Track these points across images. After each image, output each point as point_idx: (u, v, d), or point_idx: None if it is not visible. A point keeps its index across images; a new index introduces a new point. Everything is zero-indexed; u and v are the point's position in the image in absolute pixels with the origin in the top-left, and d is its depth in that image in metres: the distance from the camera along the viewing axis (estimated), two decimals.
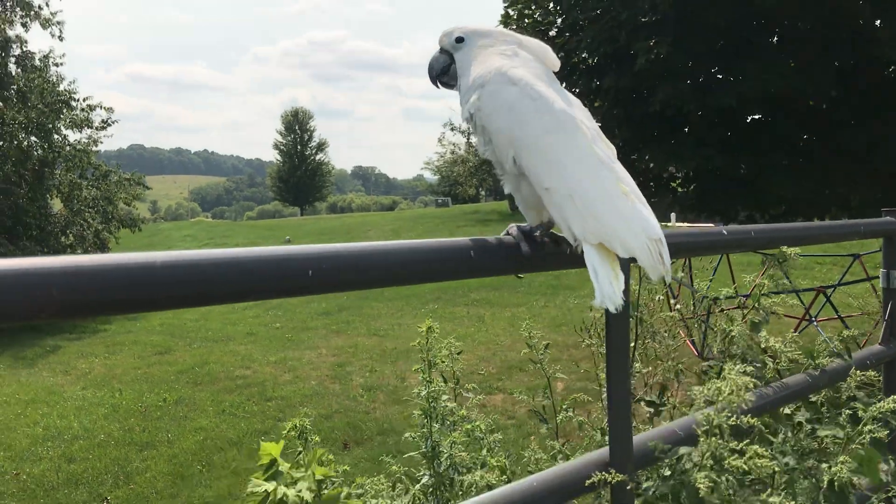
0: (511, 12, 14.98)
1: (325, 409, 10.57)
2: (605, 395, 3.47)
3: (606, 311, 2.02)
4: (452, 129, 43.72)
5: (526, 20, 14.88)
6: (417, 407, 3.57)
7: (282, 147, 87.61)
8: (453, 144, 44.14)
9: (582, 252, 1.79)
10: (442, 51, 2.13)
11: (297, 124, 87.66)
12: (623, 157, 14.97)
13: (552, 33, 14.56)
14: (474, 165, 41.67)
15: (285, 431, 3.11)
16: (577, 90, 15.22)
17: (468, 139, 43.62)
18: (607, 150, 1.92)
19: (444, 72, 2.14)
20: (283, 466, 2.36)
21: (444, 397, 3.46)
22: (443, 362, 3.43)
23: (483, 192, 61.26)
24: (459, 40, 2.09)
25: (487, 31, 2.10)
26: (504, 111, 1.89)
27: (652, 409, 3.11)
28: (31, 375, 13.78)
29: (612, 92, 13.67)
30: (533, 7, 14.80)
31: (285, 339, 15.57)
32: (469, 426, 3.40)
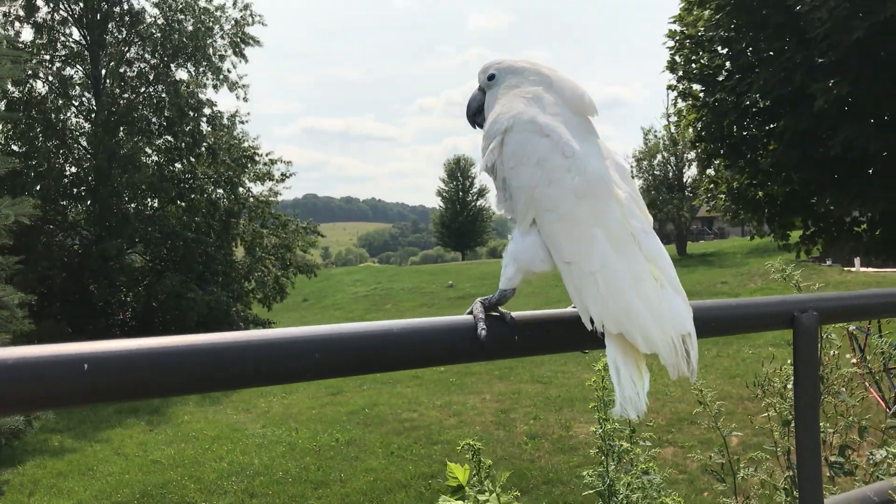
0: (678, 59, 14.75)
1: (490, 456, 10.62)
2: (780, 453, 3.34)
3: (795, 368, 1.91)
4: None
5: (693, 65, 14.61)
6: (593, 445, 3.58)
7: (445, 194, 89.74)
8: None
9: (602, 335, 1.56)
10: (480, 88, 1.93)
11: (458, 171, 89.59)
12: (801, 201, 14.33)
13: (721, 77, 14.21)
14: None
15: (458, 448, 3.24)
16: (749, 133, 14.72)
17: None
18: (643, 219, 1.66)
19: (479, 111, 1.92)
20: (469, 492, 2.47)
21: (620, 438, 3.44)
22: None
23: None
24: (491, 77, 1.88)
25: (521, 67, 1.85)
26: (531, 166, 1.65)
27: (834, 471, 2.97)
28: (216, 413, 14.74)
29: (788, 134, 13.09)
30: (700, 52, 14.51)
31: (450, 383, 15.82)
32: (643, 465, 3.37)
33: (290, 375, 1.31)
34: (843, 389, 3.03)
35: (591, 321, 1.55)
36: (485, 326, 1.56)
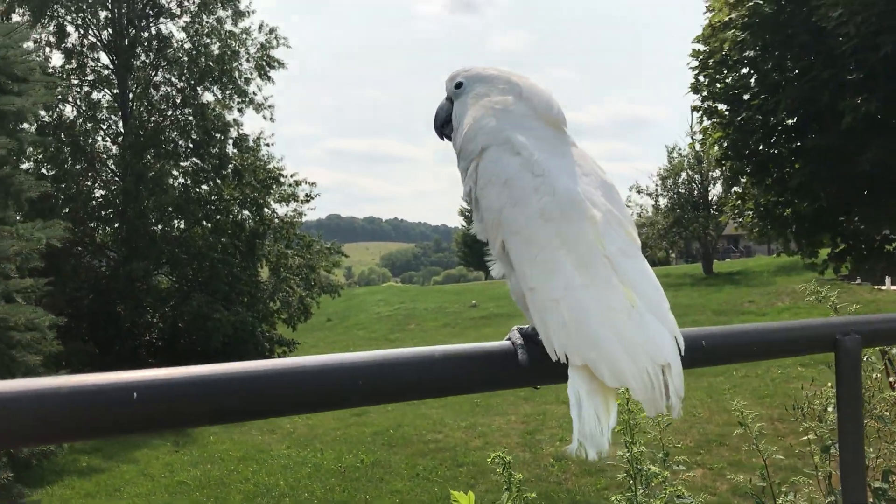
0: (702, 78, 14.69)
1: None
2: (820, 477, 3.28)
3: (837, 392, 1.84)
4: (639, 192, 43.01)
5: (717, 84, 14.53)
6: (620, 470, 3.54)
7: (467, 213, 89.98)
8: (640, 207, 43.32)
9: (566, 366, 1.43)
10: (448, 97, 1.82)
11: None
12: (830, 219, 14.16)
13: (747, 96, 14.12)
14: (663, 228, 40.65)
15: (489, 460, 3.20)
16: (776, 151, 14.60)
17: (656, 201, 42.75)
18: (626, 241, 1.53)
19: (447, 122, 1.80)
20: None
21: (647, 463, 3.39)
22: (644, 432, 3.37)
23: (673, 255, 59.46)
24: (458, 86, 1.77)
25: (489, 75, 1.75)
26: (498, 185, 1.57)
27: (878, 497, 2.90)
28: (241, 434, 14.77)
29: (816, 152, 12.97)
30: (725, 71, 14.43)
31: (474, 404, 15.74)
32: (671, 489, 3.31)
33: (333, 402, 1.30)
34: (888, 413, 2.97)
35: (555, 353, 1.43)
36: (525, 352, 1.50)
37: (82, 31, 24.96)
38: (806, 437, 3.17)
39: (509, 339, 1.58)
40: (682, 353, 1.46)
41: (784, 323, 2.08)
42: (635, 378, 1.37)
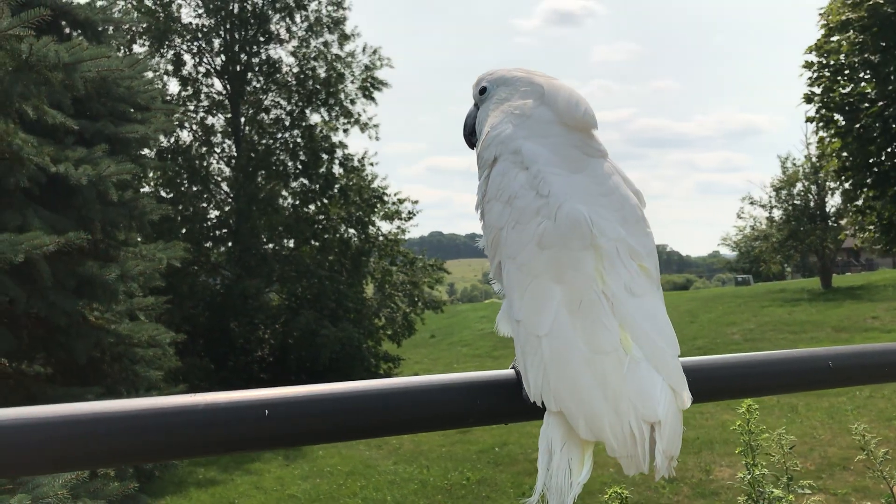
0: (816, 89, 14.10)
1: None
2: None
3: None
4: (752, 203, 41.43)
5: (831, 94, 13.93)
6: (739, 491, 3.42)
7: None
8: (753, 218, 41.68)
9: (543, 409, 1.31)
10: (475, 104, 1.72)
11: None
12: None
13: (865, 104, 13.47)
14: (778, 241, 38.99)
15: (606, 497, 3.14)
16: None
17: (769, 213, 41.13)
18: (635, 276, 1.36)
19: (475, 129, 1.70)
20: None
21: (770, 486, 3.26)
22: (769, 454, 3.24)
23: (789, 269, 57.12)
24: (483, 91, 1.68)
25: (512, 77, 1.63)
26: (502, 202, 1.43)
27: None
28: (349, 448, 15.00)
29: None
30: (841, 80, 13.81)
31: None
32: None
33: (453, 421, 1.31)
34: None
35: (529, 393, 1.34)
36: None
37: (197, 59, 26.18)
38: None
39: (513, 367, 1.46)
40: (684, 407, 1.31)
41: None
42: (615, 432, 1.24)
